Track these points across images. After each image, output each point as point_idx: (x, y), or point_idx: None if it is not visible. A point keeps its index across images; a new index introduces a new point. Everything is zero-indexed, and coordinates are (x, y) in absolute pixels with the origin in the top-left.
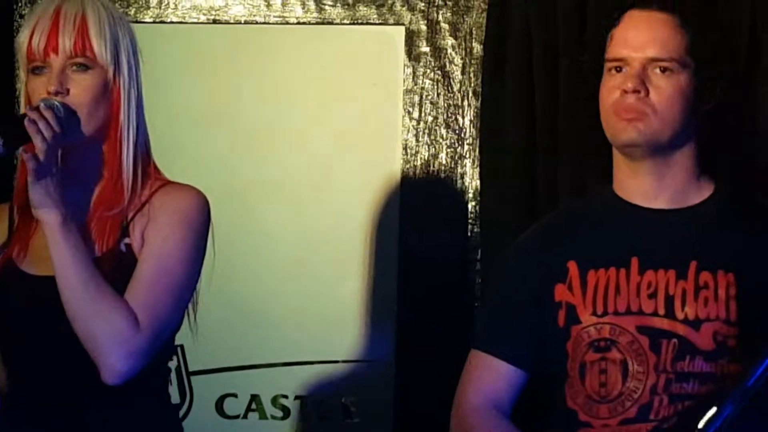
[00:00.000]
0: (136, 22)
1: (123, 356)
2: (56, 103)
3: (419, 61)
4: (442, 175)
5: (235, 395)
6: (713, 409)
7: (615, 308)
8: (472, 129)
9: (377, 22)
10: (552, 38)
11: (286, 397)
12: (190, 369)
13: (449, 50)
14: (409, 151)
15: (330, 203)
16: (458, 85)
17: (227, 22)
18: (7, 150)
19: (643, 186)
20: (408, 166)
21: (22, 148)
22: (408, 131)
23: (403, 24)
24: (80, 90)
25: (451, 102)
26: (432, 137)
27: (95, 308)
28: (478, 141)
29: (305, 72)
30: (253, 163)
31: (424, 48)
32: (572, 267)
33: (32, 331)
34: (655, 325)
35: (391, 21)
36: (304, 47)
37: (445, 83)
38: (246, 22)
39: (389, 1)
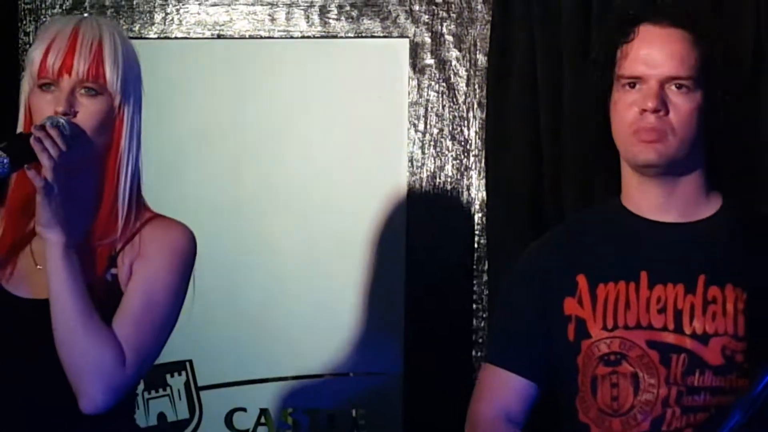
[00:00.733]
0: (141, 38)
1: (104, 390)
2: (62, 121)
3: (424, 74)
4: (448, 186)
5: (244, 409)
6: None
7: (625, 322)
8: (477, 141)
9: (381, 35)
10: (556, 49)
11: (295, 410)
12: (199, 384)
13: (454, 62)
14: (414, 163)
15: (336, 216)
16: (463, 96)
17: (232, 37)
18: (12, 168)
19: (653, 200)
20: (414, 178)
21: (27, 167)
22: (413, 143)
23: (407, 36)
24: (87, 114)
25: (456, 114)
26: (437, 149)
27: (86, 338)
28: (483, 152)
29: (310, 86)
30: (259, 177)
31: (429, 60)
32: (581, 281)
33: (9, 352)
34: (664, 340)
35: (395, 34)
36: (308, 61)
37: (450, 95)
38: (250, 37)
39: (393, 14)
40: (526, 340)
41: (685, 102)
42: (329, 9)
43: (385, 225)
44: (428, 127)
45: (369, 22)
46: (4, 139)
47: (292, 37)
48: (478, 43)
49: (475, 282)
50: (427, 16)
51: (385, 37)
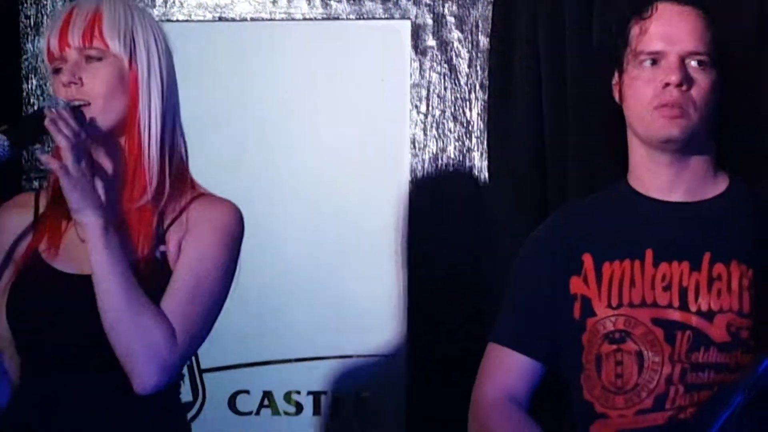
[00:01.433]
0: None
1: (158, 371)
2: (61, 101)
3: (426, 55)
4: (450, 168)
5: (247, 392)
6: None
7: (630, 300)
8: (479, 122)
9: (383, 16)
10: (559, 29)
11: (298, 393)
12: (203, 366)
13: (455, 43)
14: (417, 144)
15: (339, 199)
16: (465, 78)
17: (233, 20)
18: (14, 151)
19: (661, 179)
20: (416, 159)
21: (47, 153)
22: (416, 125)
23: (409, 18)
24: (93, 80)
25: (458, 95)
26: (440, 131)
27: (135, 320)
28: (485, 134)
29: (312, 68)
30: (261, 160)
31: (431, 42)
32: (587, 259)
33: (55, 327)
34: (669, 317)
35: (397, 15)
36: (310, 43)
37: (452, 77)
38: (252, 19)
39: None
40: (532, 320)
41: (705, 78)
42: None
43: (388, 207)
44: (430, 108)
45: (370, 3)
46: (6, 121)
47: (293, 19)
48: (480, 24)
49: (477, 262)
50: None
51: (386, 18)
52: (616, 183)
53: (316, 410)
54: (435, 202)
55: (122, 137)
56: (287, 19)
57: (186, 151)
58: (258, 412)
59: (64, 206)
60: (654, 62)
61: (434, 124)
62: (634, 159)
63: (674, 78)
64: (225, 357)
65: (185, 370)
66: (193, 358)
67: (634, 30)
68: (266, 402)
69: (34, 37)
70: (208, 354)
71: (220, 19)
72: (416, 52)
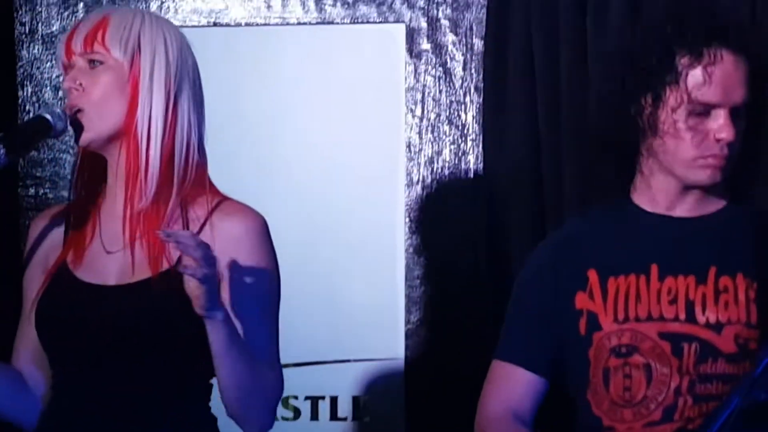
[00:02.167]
0: None
1: (272, 414)
2: (57, 110)
3: (420, 59)
4: (446, 171)
5: None
6: None
7: (636, 315)
8: (474, 125)
9: (377, 20)
10: (553, 33)
11: (296, 398)
12: None
13: (450, 47)
14: (412, 148)
15: (335, 203)
16: (460, 81)
17: (228, 25)
18: (9, 159)
19: (666, 198)
20: (412, 163)
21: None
22: (411, 129)
23: (403, 22)
24: (91, 85)
25: (453, 98)
26: (435, 134)
27: (255, 385)
28: (481, 137)
29: (307, 72)
30: (256, 165)
31: (425, 45)
32: (592, 275)
33: (82, 336)
34: (676, 330)
35: (392, 19)
36: (305, 48)
37: (447, 80)
38: (246, 24)
39: (389, 0)
40: (536, 336)
41: (740, 125)
42: None
43: (384, 211)
44: (425, 112)
45: (365, 7)
46: (1, 129)
47: (288, 24)
48: (475, 28)
49: (473, 267)
50: (422, 1)
51: (381, 22)
52: (618, 200)
53: (314, 415)
54: (431, 206)
55: (120, 141)
56: (282, 24)
57: (204, 155)
58: None
59: (90, 217)
60: (707, 113)
61: (429, 128)
62: (646, 180)
63: (727, 136)
64: None
65: None
66: None
67: (694, 74)
68: None
69: (29, 44)
70: None
71: (215, 24)
72: (411, 56)
